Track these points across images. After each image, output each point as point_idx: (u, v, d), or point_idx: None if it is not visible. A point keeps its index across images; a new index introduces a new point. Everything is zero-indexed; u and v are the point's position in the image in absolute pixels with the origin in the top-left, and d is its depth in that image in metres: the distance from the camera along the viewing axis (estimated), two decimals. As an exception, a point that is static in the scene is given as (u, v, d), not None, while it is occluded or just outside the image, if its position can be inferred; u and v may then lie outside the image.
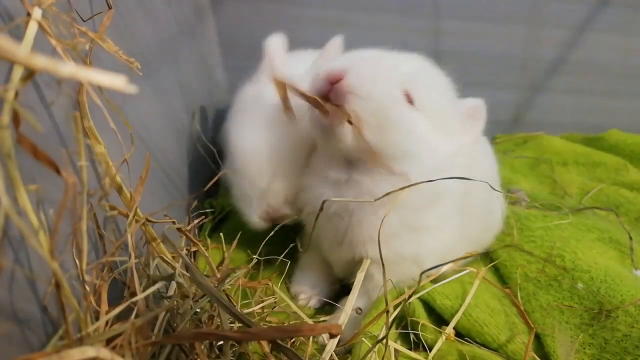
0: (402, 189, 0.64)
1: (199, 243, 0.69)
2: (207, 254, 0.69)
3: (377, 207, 0.71)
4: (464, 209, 0.80)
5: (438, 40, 1.59)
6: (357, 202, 0.72)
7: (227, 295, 0.63)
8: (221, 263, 0.76)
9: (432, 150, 0.73)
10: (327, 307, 0.86)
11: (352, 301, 0.67)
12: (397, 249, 0.74)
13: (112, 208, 0.56)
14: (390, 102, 0.68)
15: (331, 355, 0.59)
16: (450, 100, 0.80)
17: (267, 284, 0.74)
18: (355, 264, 0.80)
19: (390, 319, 0.61)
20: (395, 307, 0.73)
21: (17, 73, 0.40)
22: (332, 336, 0.61)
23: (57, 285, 0.40)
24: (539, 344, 0.75)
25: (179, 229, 0.63)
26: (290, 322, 0.73)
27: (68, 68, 0.29)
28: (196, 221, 0.80)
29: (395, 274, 0.76)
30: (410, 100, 0.71)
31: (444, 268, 0.78)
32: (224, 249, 0.79)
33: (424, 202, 0.73)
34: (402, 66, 0.74)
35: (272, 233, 0.81)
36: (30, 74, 0.38)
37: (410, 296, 0.75)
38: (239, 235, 0.79)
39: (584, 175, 1.40)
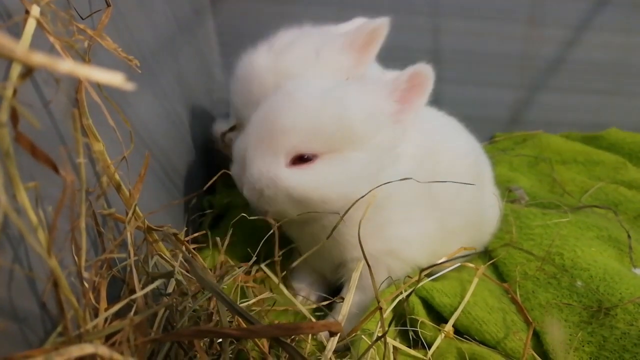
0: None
1: (193, 250, 0.69)
2: (201, 259, 0.70)
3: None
4: (434, 198, 0.80)
5: (437, 39, 1.59)
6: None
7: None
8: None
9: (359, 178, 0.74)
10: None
11: (349, 301, 0.67)
12: (372, 246, 0.75)
13: (109, 208, 0.56)
14: (285, 198, 0.73)
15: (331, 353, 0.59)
16: (354, 108, 0.75)
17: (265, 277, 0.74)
18: (340, 267, 0.82)
19: (385, 315, 0.61)
20: (393, 302, 0.74)
21: (16, 70, 0.40)
22: (331, 334, 0.61)
23: (56, 282, 0.40)
24: (538, 341, 0.75)
25: (175, 235, 0.63)
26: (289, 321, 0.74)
27: (66, 65, 0.29)
28: (196, 234, 0.80)
29: (384, 270, 0.78)
30: (303, 156, 0.73)
31: (442, 263, 0.79)
32: (219, 244, 0.79)
33: (379, 199, 0.73)
34: (282, 136, 0.73)
35: (271, 231, 0.81)
36: (28, 72, 0.38)
37: (409, 294, 0.75)
38: (230, 231, 0.78)
39: (583, 173, 1.40)
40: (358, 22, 0.97)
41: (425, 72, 0.78)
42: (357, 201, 0.67)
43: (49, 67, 0.28)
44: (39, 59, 0.28)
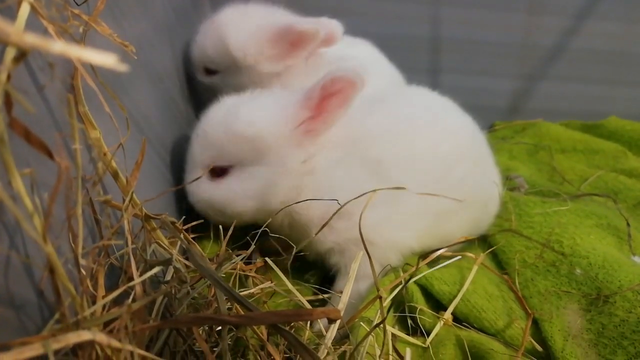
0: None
1: (192, 240, 0.69)
2: (199, 248, 0.70)
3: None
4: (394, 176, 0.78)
5: (437, 28, 1.58)
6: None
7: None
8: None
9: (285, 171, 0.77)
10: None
11: (349, 289, 0.67)
12: (337, 238, 0.78)
13: (106, 196, 0.56)
14: (210, 210, 0.81)
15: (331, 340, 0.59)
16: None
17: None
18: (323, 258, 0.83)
19: (385, 304, 0.61)
20: (392, 291, 0.73)
21: (9, 54, 0.39)
22: (330, 321, 0.61)
23: (52, 269, 0.40)
24: (537, 329, 0.75)
25: (173, 223, 0.62)
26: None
27: (58, 45, 0.28)
28: (194, 222, 0.80)
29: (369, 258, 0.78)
30: (218, 169, 0.78)
31: (440, 252, 0.78)
32: (222, 234, 0.79)
33: (326, 190, 0.76)
34: (198, 150, 0.80)
35: (270, 220, 0.81)
36: (22, 55, 0.37)
37: (406, 282, 0.75)
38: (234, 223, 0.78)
39: (582, 162, 1.40)
40: (318, 21, 0.96)
41: (348, 78, 0.71)
42: (340, 208, 0.67)
43: (41, 48, 0.28)
44: (31, 39, 0.28)
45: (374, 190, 0.66)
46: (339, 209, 0.68)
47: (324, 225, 0.70)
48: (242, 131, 0.76)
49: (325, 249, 0.81)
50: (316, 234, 0.73)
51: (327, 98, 0.74)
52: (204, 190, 0.79)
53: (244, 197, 0.78)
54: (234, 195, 0.78)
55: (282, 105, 0.77)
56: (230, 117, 0.77)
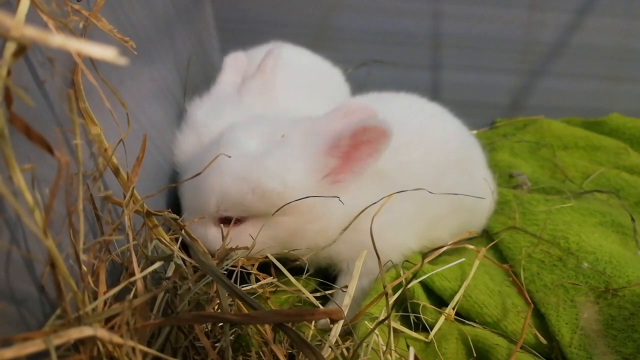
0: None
1: (194, 237, 0.69)
2: (201, 244, 0.69)
3: None
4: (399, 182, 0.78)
5: (438, 24, 1.57)
6: None
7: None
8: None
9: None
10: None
11: (352, 287, 0.67)
12: (352, 247, 0.76)
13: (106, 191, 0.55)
14: None
15: (336, 339, 0.59)
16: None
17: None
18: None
19: (391, 301, 0.61)
20: (395, 290, 0.73)
21: (10, 49, 0.39)
22: (332, 321, 0.61)
23: (53, 264, 0.40)
24: (542, 323, 0.75)
25: (175, 220, 0.62)
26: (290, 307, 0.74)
27: (58, 39, 0.28)
28: (196, 219, 0.80)
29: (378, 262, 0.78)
30: (230, 218, 0.72)
31: (444, 248, 0.78)
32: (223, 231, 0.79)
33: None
34: (207, 198, 0.72)
35: (271, 216, 0.81)
36: (22, 49, 0.37)
37: (409, 281, 0.75)
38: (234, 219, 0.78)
39: (584, 159, 1.39)
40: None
41: (380, 128, 0.68)
42: (359, 213, 0.68)
43: (41, 41, 0.27)
44: (30, 32, 0.28)
45: (390, 195, 0.67)
46: (357, 216, 0.70)
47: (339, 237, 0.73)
48: (272, 188, 0.69)
49: (338, 260, 0.81)
50: (328, 245, 0.75)
51: (357, 146, 0.70)
52: (216, 238, 0.73)
53: (265, 244, 0.73)
54: (255, 243, 0.71)
55: (309, 153, 0.71)
56: (255, 172, 0.70)
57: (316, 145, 0.72)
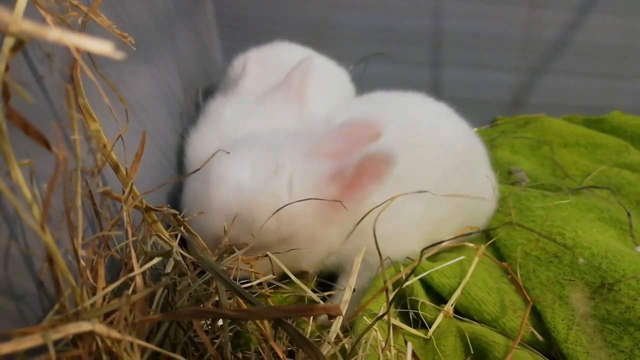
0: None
1: (194, 232, 0.69)
2: (201, 240, 0.69)
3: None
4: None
5: (438, 21, 1.57)
6: None
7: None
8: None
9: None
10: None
11: (352, 284, 0.67)
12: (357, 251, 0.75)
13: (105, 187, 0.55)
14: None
15: (336, 334, 0.59)
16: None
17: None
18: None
19: (391, 297, 0.61)
20: (394, 287, 0.73)
21: (8, 44, 0.39)
22: (330, 317, 0.61)
23: (51, 259, 0.40)
24: (539, 320, 0.75)
25: (174, 216, 0.62)
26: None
27: (55, 33, 0.28)
28: (195, 214, 0.80)
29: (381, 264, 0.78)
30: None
31: (443, 244, 0.78)
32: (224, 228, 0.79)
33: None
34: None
35: (271, 215, 0.81)
36: (19, 44, 0.37)
37: (407, 277, 0.75)
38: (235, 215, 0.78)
39: (585, 156, 1.39)
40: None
41: (384, 158, 0.68)
42: (372, 210, 0.66)
43: (38, 35, 0.27)
44: (28, 26, 0.28)
45: (395, 197, 0.65)
46: (361, 219, 0.68)
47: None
48: (267, 227, 0.70)
49: (344, 262, 0.81)
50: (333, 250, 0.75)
51: (361, 175, 0.69)
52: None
53: (269, 268, 0.73)
54: (261, 268, 0.72)
55: (308, 184, 0.71)
56: (248, 212, 0.71)
57: (317, 175, 0.71)
